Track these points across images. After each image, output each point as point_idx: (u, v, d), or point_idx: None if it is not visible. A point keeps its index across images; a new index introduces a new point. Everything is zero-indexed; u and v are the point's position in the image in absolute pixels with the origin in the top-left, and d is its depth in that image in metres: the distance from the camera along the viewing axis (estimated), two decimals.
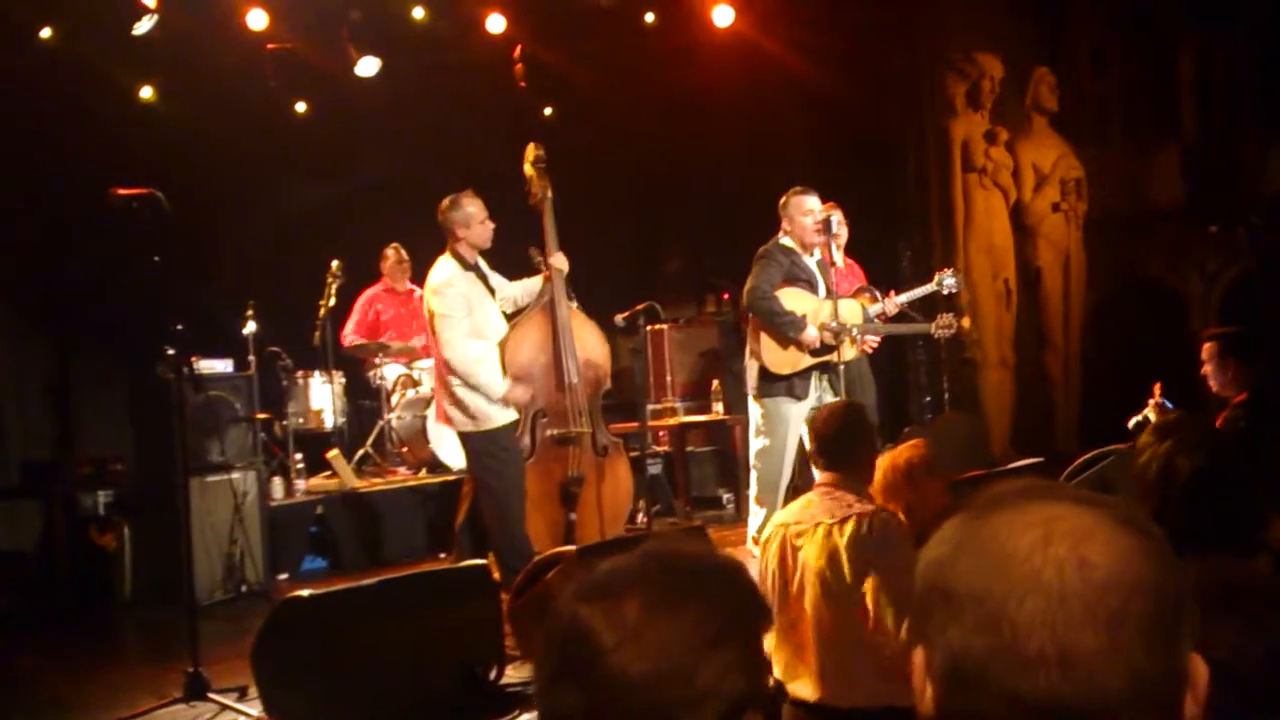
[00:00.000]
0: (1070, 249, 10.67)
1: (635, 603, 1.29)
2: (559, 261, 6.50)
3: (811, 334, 6.32)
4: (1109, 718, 0.97)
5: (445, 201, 6.27)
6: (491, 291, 6.35)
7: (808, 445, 4.00)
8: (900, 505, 3.99)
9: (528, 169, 6.63)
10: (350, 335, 9.06)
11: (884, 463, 4.08)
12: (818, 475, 3.82)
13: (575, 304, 6.66)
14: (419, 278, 9.47)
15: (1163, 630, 1.00)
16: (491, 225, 6.28)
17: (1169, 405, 5.05)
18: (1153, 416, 5.07)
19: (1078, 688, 0.97)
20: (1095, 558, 0.99)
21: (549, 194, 6.57)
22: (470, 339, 6.15)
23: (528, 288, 6.59)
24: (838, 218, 6.64)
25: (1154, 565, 1.01)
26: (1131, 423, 5.32)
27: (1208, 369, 5.01)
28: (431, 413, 8.35)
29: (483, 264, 6.35)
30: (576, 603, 1.32)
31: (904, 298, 7.02)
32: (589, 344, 6.63)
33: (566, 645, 1.29)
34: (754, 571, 3.84)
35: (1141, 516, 1.05)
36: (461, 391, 6.14)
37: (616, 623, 1.27)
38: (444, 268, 6.22)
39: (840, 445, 3.71)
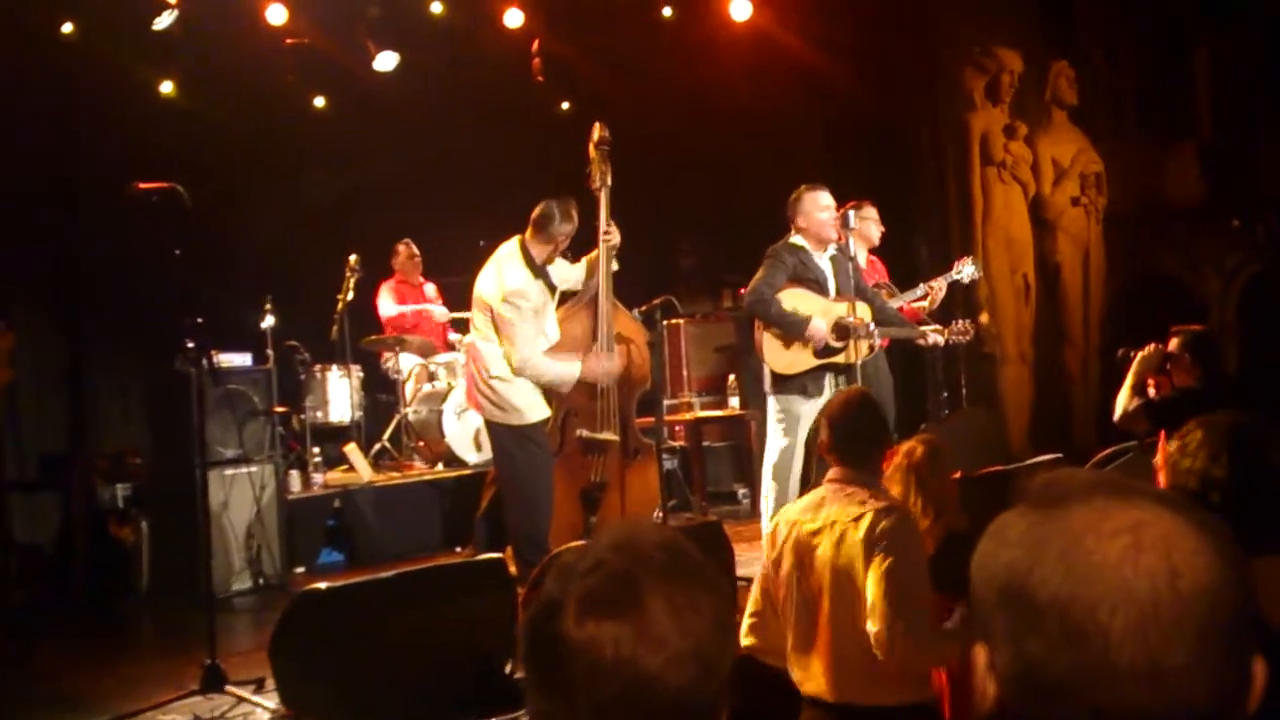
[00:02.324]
0: (1090, 243, 10.62)
1: (658, 606, 1.22)
2: (611, 238, 6.30)
3: (817, 325, 6.15)
4: None
5: (557, 210, 6.07)
6: (552, 291, 6.25)
7: (820, 435, 3.92)
8: (912, 497, 3.98)
9: (591, 150, 6.35)
10: (391, 307, 9.14)
11: (897, 461, 4.06)
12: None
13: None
14: (429, 271, 9.53)
15: (1240, 637, 0.99)
16: None
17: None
18: (1134, 356, 5.20)
19: (1165, 700, 0.96)
20: (1184, 567, 0.97)
21: (608, 180, 6.32)
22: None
23: (577, 273, 6.45)
24: (857, 214, 6.54)
25: (1233, 573, 0.99)
26: (1120, 352, 5.44)
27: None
28: (448, 406, 8.38)
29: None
30: (588, 623, 1.22)
31: (920, 289, 7.04)
32: (629, 338, 6.46)
33: (596, 680, 1.20)
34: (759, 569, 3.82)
35: (1215, 519, 1.03)
36: (501, 386, 6.07)
37: (650, 637, 1.20)
38: (518, 273, 6.05)
39: (852, 437, 3.62)
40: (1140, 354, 5.19)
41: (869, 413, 3.71)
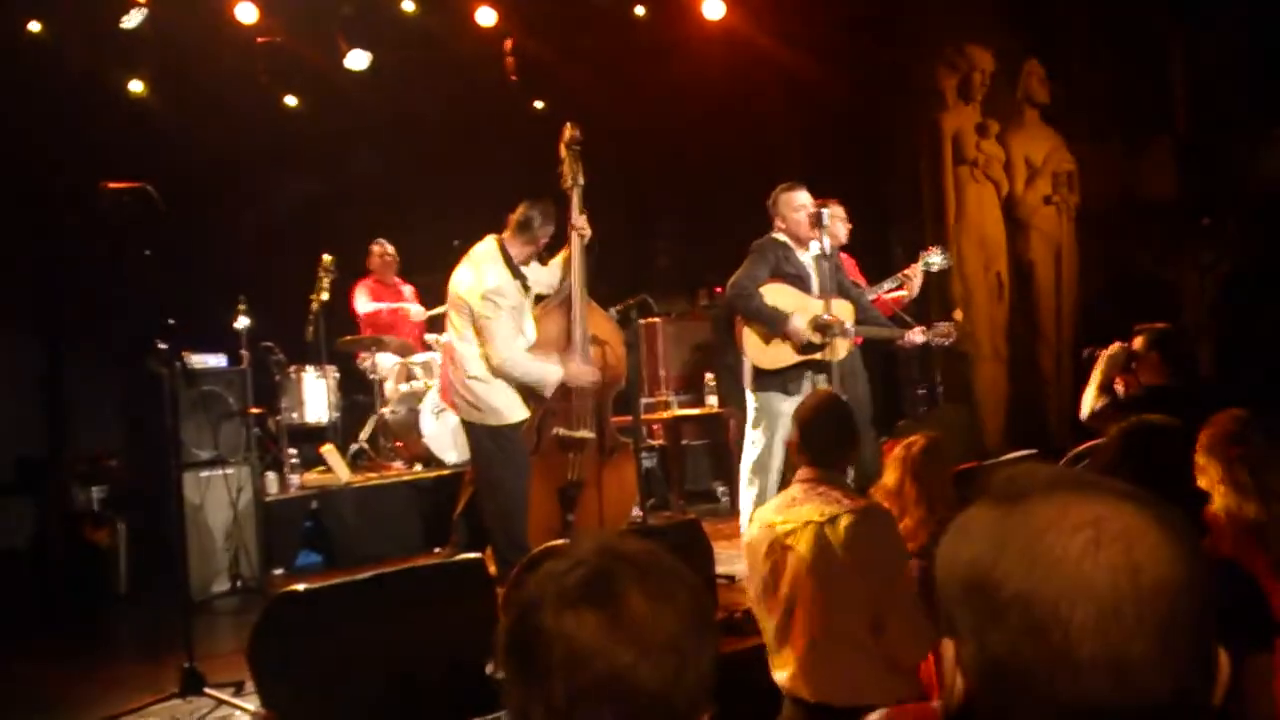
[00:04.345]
0: (1062, 242, 10.68)
1: (635, 599, 1.24)
2: (584, 231, 6.34)
3: (796, 324, 6.20)
4: None
5: (538, 213, 6.14)
6: (527, 292, 6.27)
7: (791, 435, 3.95)
8: (906, 488, 4.01)
9: (562, 150, 6.40)
10: (367, 304, 9.12)
11: (897, 452, 4.10)
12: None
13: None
14: (404, 271, 9.51)
15: (1202, 631, 0.99)
16: None
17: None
18: (1100, 355, 5.26)
19: (1126, 693, 0.96)
20: (1145, 562, 0.98)
21: (580, 179, 6.36)
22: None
23: (549, 275, 6.49)
24: (829, 212, 6.57)
25: (1194, 567, 1.00)
26: (1085, 351, 5.49)
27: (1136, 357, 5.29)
28: (425, 406, 8.35)
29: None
30: (565, 614, 1.24)
31: (888, 283, 7.06)
32: (603, 339, 6.47)
33: (573, 668, 1.22)
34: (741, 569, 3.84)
35: (1176, 513, 1.04)
36: (478, 386, 6.07)
37: (625, 626, 1.22)
38: (496, 272, 6.08)
39: (824, 438, 3.65)
40: (1106, 353, 5.24)
41: (839, 414, 3.74)
